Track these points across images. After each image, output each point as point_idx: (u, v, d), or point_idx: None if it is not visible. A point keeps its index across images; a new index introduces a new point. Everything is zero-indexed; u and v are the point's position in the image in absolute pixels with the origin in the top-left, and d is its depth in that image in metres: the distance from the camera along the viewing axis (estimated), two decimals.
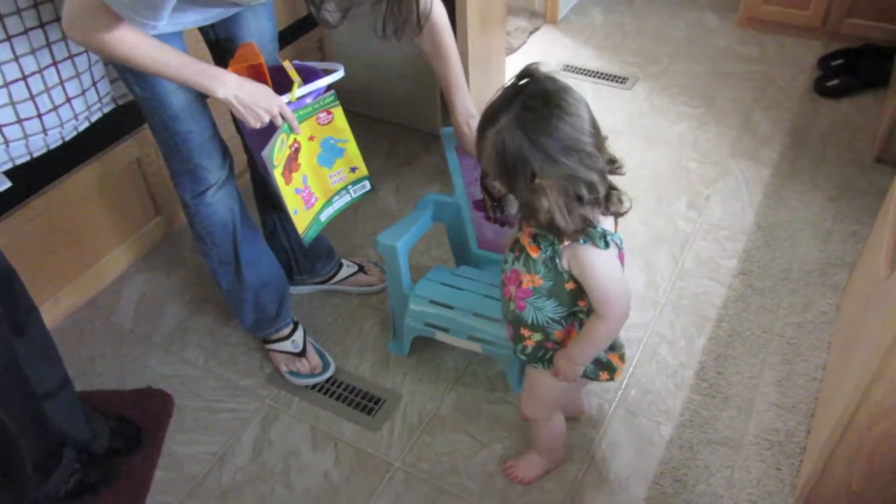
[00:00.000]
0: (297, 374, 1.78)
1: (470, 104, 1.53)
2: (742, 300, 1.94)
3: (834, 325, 1.85)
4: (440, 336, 1.73)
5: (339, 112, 1.53)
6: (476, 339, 1.66)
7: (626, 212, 1.19)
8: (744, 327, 1.87)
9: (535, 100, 1.08)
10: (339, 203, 1.64)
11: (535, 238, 1.20)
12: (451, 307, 1.69)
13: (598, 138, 1.11)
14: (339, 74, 1.51)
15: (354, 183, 1.65)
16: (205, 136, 1.52)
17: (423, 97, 2.47)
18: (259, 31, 1.55)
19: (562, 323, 1.28)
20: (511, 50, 3.01)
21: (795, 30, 3.00)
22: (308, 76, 1.49)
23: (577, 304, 1.25)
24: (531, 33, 3.14)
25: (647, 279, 2.01)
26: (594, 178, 1.09)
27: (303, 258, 1.92)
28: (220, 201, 1.60)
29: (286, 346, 1.78)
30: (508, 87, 1.12)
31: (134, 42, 1.22)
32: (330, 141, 1.56)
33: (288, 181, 1.49)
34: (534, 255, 1.20)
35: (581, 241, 1.14)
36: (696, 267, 2.04)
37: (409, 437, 1.66)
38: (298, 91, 1.44)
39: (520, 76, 1.13)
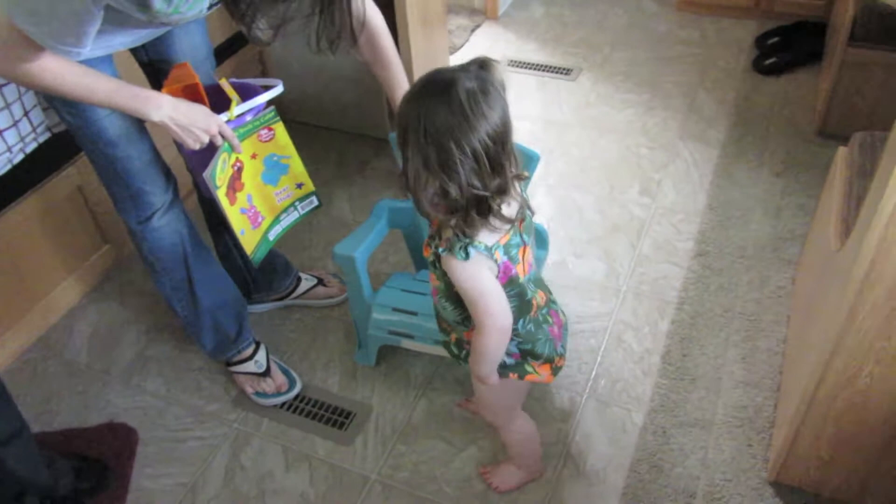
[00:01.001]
0: (263, 394, 1.74)
1: None
2: (701, 281, 1.96)
3: (791, 298, 1.89)
4: (406, 343, 1.71)
5: (280, 128, 1.51)
6: (441, 344, 1.64)
7: (506, 228, 1.12)
8: (705, 308, 1.89)
9: (464, 92, 1.02)
10: (287, 221, 1.62)
11: (430, 237, 1.18)
12: (414, 313, 1.68)
13: (500, 157, 1.05)
14: (279, 90, 1.48)
15: (301, 199, 1.63)
16: (145, 159, 1.47)
17: (369, 102, 2.44)
18: (192, 49, 1.52)
19: (465, 325, 1.24)
20: (454, 49, 3.00)
21: (731, 11, 3.06)
22: (246, 93, 1.46)
23: (464, 307, 1.19)
24: (473, 30, 3.14)
25: (606, 268, 2.02)
26: (472, 183, 1.03)
27: (259, 276, 1.89)
28: (168, 226, 1.56)
29: (250, 366, 1.75)
30: (455, 66, 1.07)
31: (58, 70, 1.18)
32: (273, 158, 1.53)
33: (233, 201, 1.46)
34: (426, 254, 1.19)
35: (441, 251, 1.11)
36: (653, 252, 2.06)
37: (384, 449, 1.64)
38: (237, 109, 1.41)
39: (472, 62, 1.08)
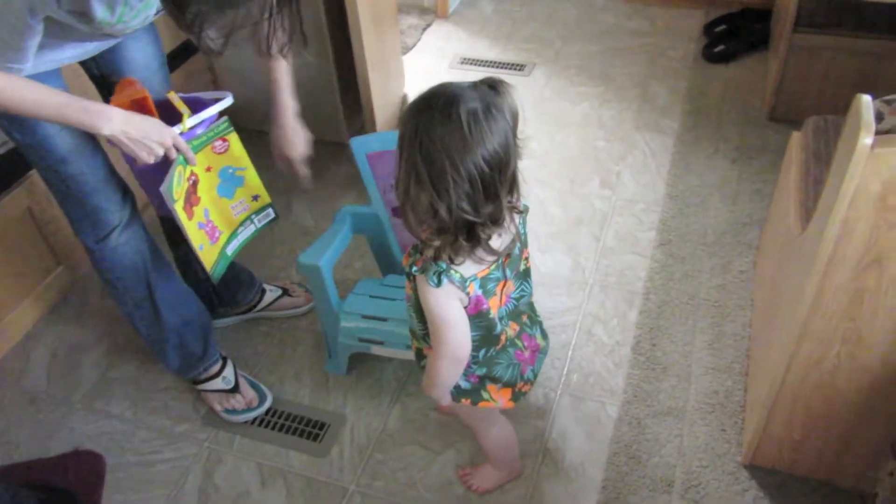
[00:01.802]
0: (233, 411, 1.71)
1: (294, 99, 1.53)
2: (665, 270, 1.98)
3: (753, 282, 1.92)
4: (376, 350, 1.69)
5: (234, 139, 1.48)
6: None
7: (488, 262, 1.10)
8: (671, 296, 1.91)
9: (471, 111, 0.99)
10: (245, 234, 1.60)
11: (414, 247, 1.15)
12: (383, 319, 1.66)
13: (496, 184, 1.02)
14: (228, 101, 1.45)
15: (258, 212, 1.61)
16: (99, 175, 1.43)
17: (324, 107, 2.41)
18: (145, 60, 1.47)
19: (426, 340, 1.22)
20: (407, 49, 2.99)
21: (678, 0, 3.10)
22: (196, 107, 1.43)
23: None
24: (424, 30, 3.13)
25: (572, 262, 2.03)
26: (462, 206, 1.00)
27: (223, 290, 1.85)
28: (127, 244, 1.51)
29: (217, 383, 1.71)
30: (471, 83, 1.04)
31: (3, 85, 1.13)
32: (228, 170, 1.50)
33: (190, 216, 1.43)
34: (404, 263, 1.17)
35: (415, 271, 1.09)
36: (617, 244, 2.08)
37: (360, 458, 1.62)
38: (189, 121, 1.38)
39: (485, 82, 1.04)
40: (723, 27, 2.85)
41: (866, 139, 1.02)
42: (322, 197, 2.33)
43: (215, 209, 1.51)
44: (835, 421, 1.38)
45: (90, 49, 1.34)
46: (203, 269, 1.78)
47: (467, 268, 1.08)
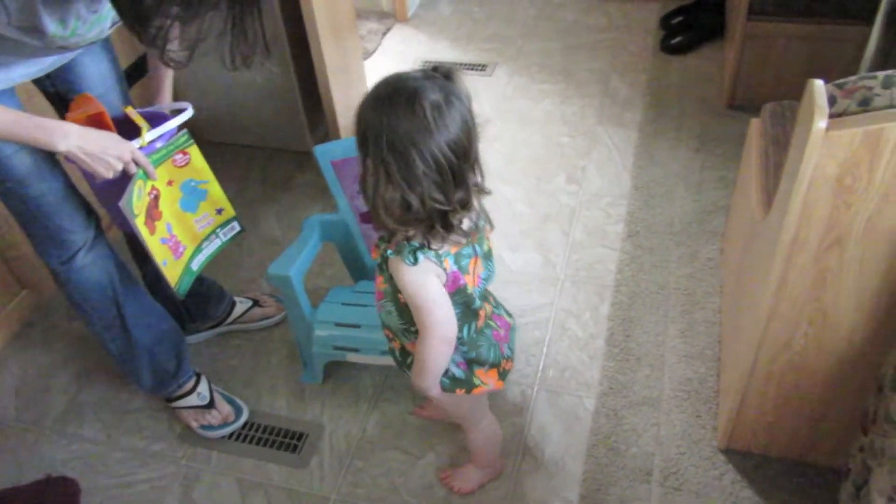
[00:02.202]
0: (209, 426, 1.69)
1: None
2: (635, 262, 2.00)
3: (721, 268, 1.95)
4: (352, 357, 1.68)
5: (195, 151, 1.47)
6: (388, 353, 1.62)
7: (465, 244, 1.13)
8: (641, 287, 1.93)
9: (432, 98, 1.00)
10: (210, 249, 1.58)
11: (381, 239, 1.16)
12: (357, 326, 1.65)
13: (463, 169, 1.05)
14: (188, 114, 1.44)
15: (223, 225, 1.59)
16: (60, 196, 1.40)
17: (287, 116, 2.40)
18: (102, 76, 1.45)
19: (407, 335, 1.23)
20: (368, 54, 2.98)
21: None
22: (155, 121, 1.41)
23: (412, 318, 1.17)
24: (384, 34, 3.12)
25: (542, 259, 2.04)
26: (433, 196, 1.02)
27: (193, 305, 1.83)
28: (93, 264, 1.49)
29: (192, 400, 1.69)
30: (424, 70, 1.05)
31: None
32: (190, 184, 1.49)
33: (152, 231, 1.41)
34: (374, 257, 1.18)
35: (389, 253, 1.10)
36: (586, 238, 2.09)
37: (341, 466, 1.61)
38: (148, 135, 1.37)
39: (439, 70, 1.06)
40: (679, 19, 2.88)
41: (820, 123, 1.04)
42: (289, 207, 2.31)
43: (178, 224, 1.49)
44: (806, 401, 1.40)
45: (45, 66, 1.32)
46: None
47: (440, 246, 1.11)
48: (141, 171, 1.34)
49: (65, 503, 1.58)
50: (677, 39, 2.80)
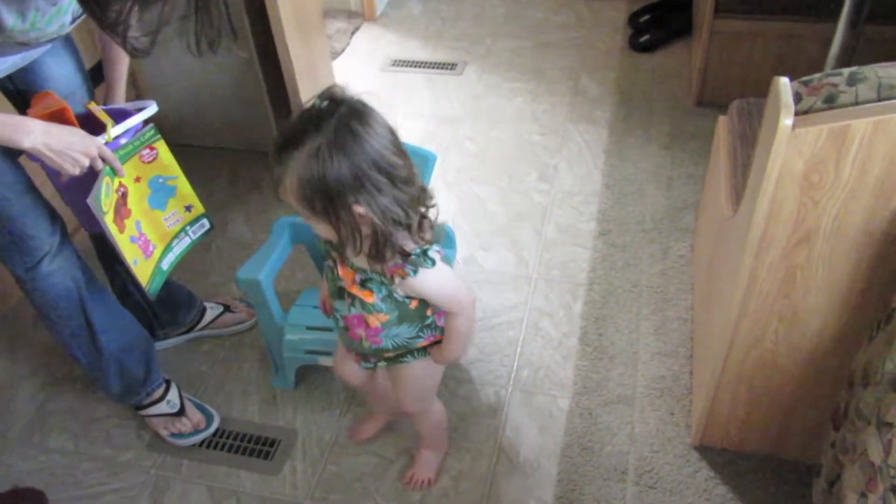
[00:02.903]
0: (180, 435, 1.65)
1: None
2: (607, 260, 2.00)
3: (692, 265, 1.96)
4: (323, 361, 1.66)
5: (162, 146, 1.44)
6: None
7: (438, 240, 1.17)
8: (614, 286, 1.93)
9: (351, 121, 1.00)
10: (180, 247, 1.55)
11: (363, 284, 1.15)
12: (329, 329, 1.63)
13: (408, 163, 1.07)
14: (152, 109, 1.41)
15: (192, 223, 1.56)
16: (25, 201, 1.36)
17: (254, 116, 2.36)
18: (67, 75, 1.42)
19: (419, 336, 1.26)
20: (336, 53, 2.95)
21: None
22: (120, 118, 1.38)
23: (426, 315, 1.23)
24: (353, 33, 3.10)
25: (515, 258, 2.04)
26: (405, 203, 1.06)
27: (163, 311, 1.79)
28: (59, 270, 1.45)
29: (162, 408, 1.65)
30: (311, 109, 1.03)
31: None
32: (158, 180, 1.46)
33: (121, 229, 1.38)
34: (370, 300, 1.16)
35: (412, 274, 1.11)
36: (558, 236, 2.09)
37: (314, 472, 1.59)
38: (113, 130, 1.34)
39: (322, 98, 1.04)
40: (647, 17, 2.90)
41: (786, 120, 1.05)
42: (259, 209, 2.28)
43: (147, 221, 1.46)
44: (777, 397, 1.41)
45: (6, 67, 1.28)
46: (139, 289, 1.72)
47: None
48: (108, 168, 1.31)
49: None
50: (645, 37, 2.81)
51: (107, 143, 1.32)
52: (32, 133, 1.20)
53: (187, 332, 1.87)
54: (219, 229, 2.21)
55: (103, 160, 1.30)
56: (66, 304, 1.49)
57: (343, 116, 1.00)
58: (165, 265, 1.52)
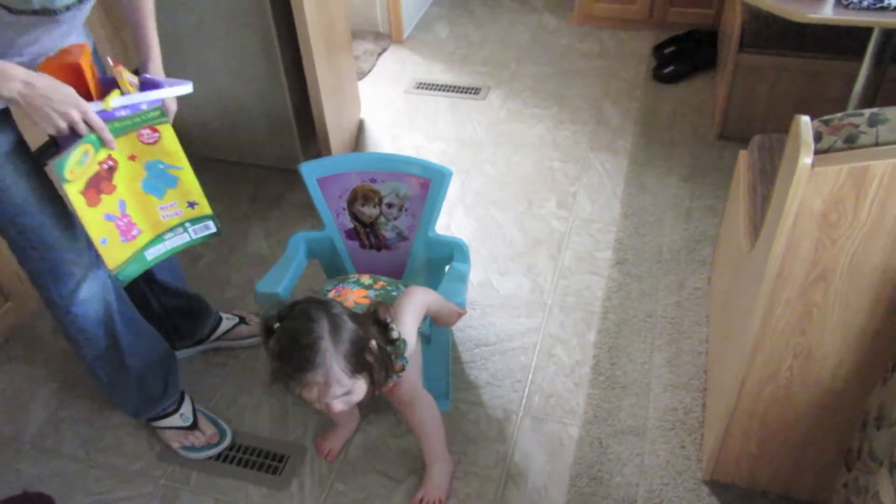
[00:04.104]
0: (192, 448, 1.66)
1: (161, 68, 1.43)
2: (623, 289, 2.00)
3: (708, 298, 1.95)
4: None
5: (168, 131, 1.32)
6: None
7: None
8: (629, 315, 1.93)
9: (311, 307, 1.24)
10: (174, 243, 1.44)
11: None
12: None
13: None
14: (183, 89, 1.33)
15: (194, 221, 1.44)
16: (60, 224, 1.35)
17: (279, 134, 2.40)
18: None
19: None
20: (362, 74, 2.99)
21: (627, 23, 3.16)
22: (148, 87, 1.32)
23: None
24: (379, 55, 3.14)
25: (531, 283, 2.04)
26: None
27: (183, 323, 1.81)
28: (93, 297, 1.44)
29: (175, 420, 1.66)
30: (286, 334, 1.22)
31: None
32: (158, 165, 1.34)
33: (93, 203, 1.28)
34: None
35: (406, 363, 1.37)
36: (575, 263, 2.09)
37: (321, 490, 1.59)
38: (115, 101, 1.23)
39: (270, 319, 1.23)
40: (671, 48, 2.91)
41: (806, 159, 1.05)
42: (279, 224, 2.31)
43: (137, 204, 1.36)
44: (790, 434, 1.40)
45: (36, 49, 1.25)
46: (159, 301, 1.73)
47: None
48: (93, 136, 1.22)
49: None
50: (669, 69, 2.82)
51: (103, 111, 1.23)
52: (12, 81, 1.14)
53: (202, 342, 1.88)
54: (238, 243, 2.24)
55: (91, 127, 1.21)
56: (97, 328, 1.49)
57: (306, 308, 1.23)
58: (150, 256, 1.42)
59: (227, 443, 1.68)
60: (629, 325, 1.90)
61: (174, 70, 1.50)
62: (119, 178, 1.32)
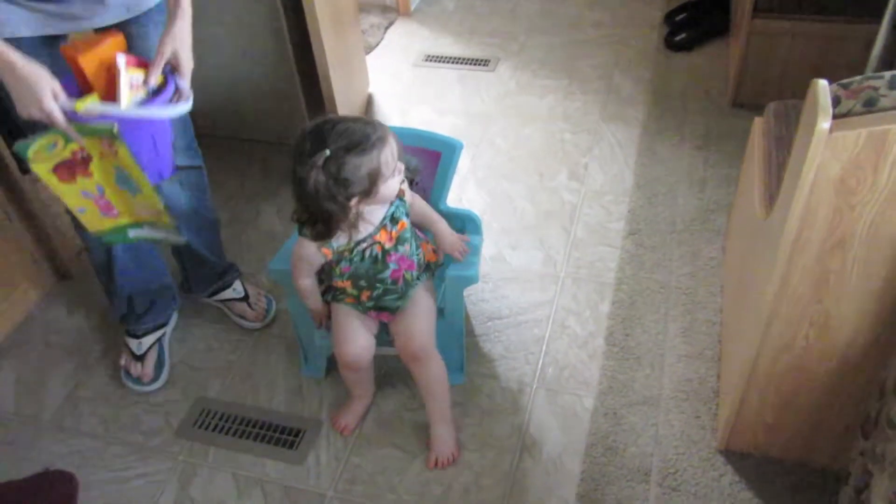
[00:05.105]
0: (127, 374, 1.79)
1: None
2: (636, 260, 1.99)
3: (722, 268, 1.93)
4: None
5: (122, 149, 1.28)
6: (387, 344, 1.62)
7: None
8: (642, 286, 1.92)
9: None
10: (153, 234, 1.48)
11: (394, 219, 1.47)
12: None
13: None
14: (178, 110, 1.37)
15: (167, 229, 1.47)
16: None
17: (287, 109, 2.38)
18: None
19: (418, 249, 1.54)
20: (370, 48, 2.96)
21: None
22: (158, 88, 1.36)
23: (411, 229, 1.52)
24: (387, 28, 3.11)
25: (543, 256, 2.03)
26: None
27: (194, 273, 1.89)
28: None
29: (132, 343, 1.79)
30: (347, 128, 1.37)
31: None
32: (123, 172, 1.34)
33: (69, 179, 1.31)
34: (405, 227, 1.49)
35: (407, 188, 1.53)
36: (587, 235, 2.08)
37: (337, 463, 1.60)
38: (88, 105, 1.25)
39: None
40: (683, 15, 2.86)
41: (824, 123, 1.03)
42: (290, 201, 2.29)
43: (115, 195, 1.38)
44: (805, 403, 1.39)
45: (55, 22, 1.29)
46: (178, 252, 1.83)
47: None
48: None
49: (63, 497, 1.58)
50: (681, 36, 2.78)
51: (75, 111, 1.24)
52: None
53: (213, 295, 1.92)
54: (250, 221, 2.24)
55: (56, 124, 1.25)
56: (94, 241, 1.58)
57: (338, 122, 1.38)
58: (133, 235, 1.46)
59: (155, 386, 1.78)
60: (643, 295, 1.89)
61: None
62: (96, 168, 1.33)
